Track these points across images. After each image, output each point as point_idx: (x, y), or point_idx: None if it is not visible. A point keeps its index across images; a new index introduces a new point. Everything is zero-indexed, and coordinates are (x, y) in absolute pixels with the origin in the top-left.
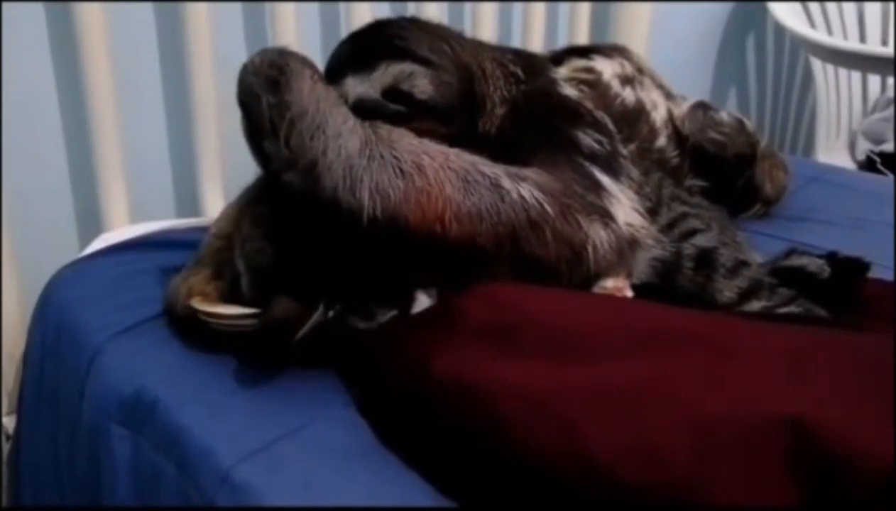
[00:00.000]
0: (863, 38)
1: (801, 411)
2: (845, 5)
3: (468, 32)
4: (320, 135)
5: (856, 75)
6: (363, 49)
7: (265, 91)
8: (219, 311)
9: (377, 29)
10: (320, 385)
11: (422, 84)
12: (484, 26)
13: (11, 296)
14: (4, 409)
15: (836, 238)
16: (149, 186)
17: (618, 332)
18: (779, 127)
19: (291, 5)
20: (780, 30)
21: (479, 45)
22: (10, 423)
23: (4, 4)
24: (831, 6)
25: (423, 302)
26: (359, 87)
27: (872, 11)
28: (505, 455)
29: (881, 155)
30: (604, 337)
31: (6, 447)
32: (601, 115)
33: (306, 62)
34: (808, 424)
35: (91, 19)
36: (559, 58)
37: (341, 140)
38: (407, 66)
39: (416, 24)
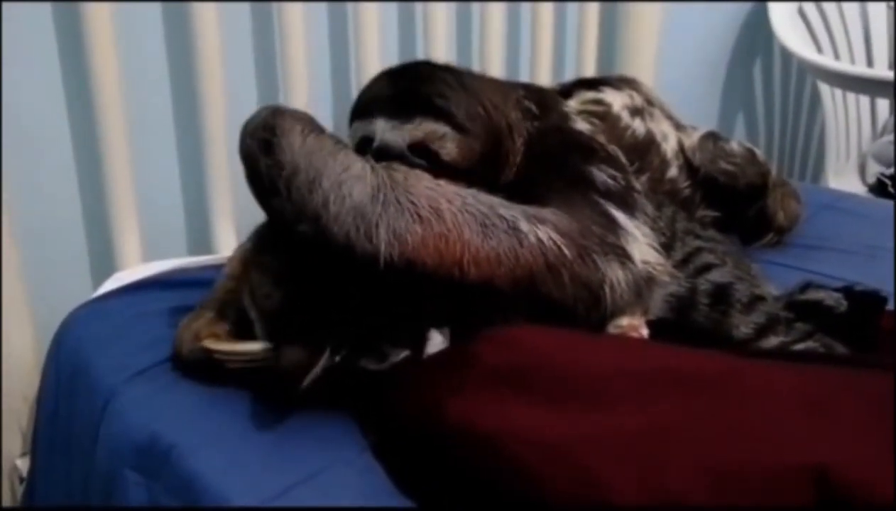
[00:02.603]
0: (870, 62)
1: (823, 459)
2: (851, 28)
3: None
4: (318, 188)
5: (864, 98)
6: (403, 96)
7: (261, 153)
8: (232, 348)
9: (420, 79)
10: (334, 428)
11: (449, 147)
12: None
13: (26, 335)
14: (19, 450)
15: (851, 267)
16: (161, 224)
17: (634, 377)
18: (788, 151)
19: (301, 38)
20: (786, 55)
21: (504, 94)
22: (23, 464)
23: (21, 49)
24: (837, 29)
25: (436, 341)
26: (388, 132)
27: (879, 34)
28: (522, 502)
29: (892, 178)
30: (620, 381)
31: (20, 489)
32: (614, 149)
33: (299, 117)
34: (830, 472)
35: (104, 61)
36: (568, 90)
37: (344, 189)
38: (440, 128)
39: (455, 77)
